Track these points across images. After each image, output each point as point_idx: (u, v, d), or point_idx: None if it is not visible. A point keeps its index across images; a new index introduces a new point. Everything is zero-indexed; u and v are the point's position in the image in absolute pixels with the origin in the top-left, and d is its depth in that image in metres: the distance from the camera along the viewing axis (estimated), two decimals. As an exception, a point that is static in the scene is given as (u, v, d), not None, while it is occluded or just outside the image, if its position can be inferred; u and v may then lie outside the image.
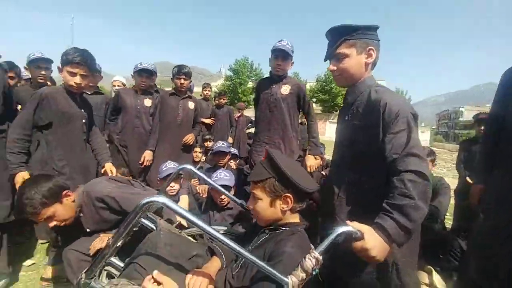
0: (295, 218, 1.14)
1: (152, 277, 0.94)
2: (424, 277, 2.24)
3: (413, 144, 1.06)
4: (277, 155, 1.12)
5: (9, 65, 2.85)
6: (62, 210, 1.47)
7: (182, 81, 3.03)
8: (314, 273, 0.84)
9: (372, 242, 0.93)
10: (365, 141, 1.17)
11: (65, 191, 1.49)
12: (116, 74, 4.43)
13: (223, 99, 5.26)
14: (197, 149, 3.66)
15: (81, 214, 1.59)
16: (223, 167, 2.91)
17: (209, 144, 4.26)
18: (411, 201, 0.97)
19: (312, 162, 2.44)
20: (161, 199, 0.88)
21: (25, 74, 3.33)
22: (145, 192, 1.71)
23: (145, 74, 3.03)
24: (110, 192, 1.52)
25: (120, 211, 1.55)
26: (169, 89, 3.37)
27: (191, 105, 3.19)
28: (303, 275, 0.82)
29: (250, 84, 31.98)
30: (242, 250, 0.88)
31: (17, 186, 1.71)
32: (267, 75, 2.63)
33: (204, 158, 4.03)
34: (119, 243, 1.01)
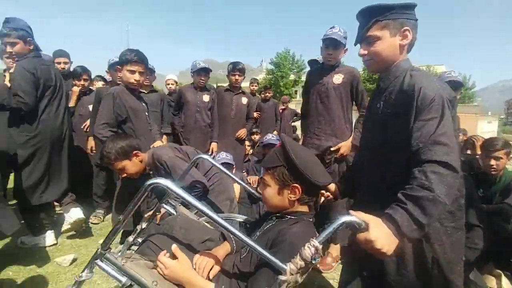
0: (303, 208, 1.12)
1: (172, 251, 1.06)
2: (491, 281, 2.05)
3: (442, 132, 0.95)
4: (291, 143, 1.10)
5: (82, 69, 3.26)
6: (131, 166, 1.83)
7: (237, 77, 3.20)
8: (314, 262, 0.83)
9: (377, 233, 0.85)
10: (397, 130, 1.08)
11: (135, 151, 1.83)
12: (166, 74, 4.77)
13: (269, 93, 5.32)
14: (246, 142, 3.78)
15: (150, 172, 1.91)
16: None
17: (256, 137, 4.37)
18: (430, 193, 0.87)
19: (345, 149, 2.32)
20: (164, 181, 0.91)
21: (107, 76, 3.78)
22: (192, 170, 1.82)
23: (203, 72, 3.24)
24: (167, 159, 1.78)
25: (170, 175, 1.80)
26: (215, 85, 3.58)
27: (244, 100, 3.34)
28: (302, 263, 0.82)
29: (292, 77, 31.52)
30: (243, 237, 0.90)
31: None
32: (308, 67, 2.59)
33: (251, 151, 4.16)
34: (128, 219, 1.06)
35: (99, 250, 1.03)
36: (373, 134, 1.23)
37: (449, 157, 0.91)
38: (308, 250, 0.82)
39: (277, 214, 1.14)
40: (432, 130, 0.95)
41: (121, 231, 2.32)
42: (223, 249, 1.22)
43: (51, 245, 2.45)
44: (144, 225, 1.41)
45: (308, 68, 2.98)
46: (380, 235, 0.85)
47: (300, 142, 2.62)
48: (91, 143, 3.07)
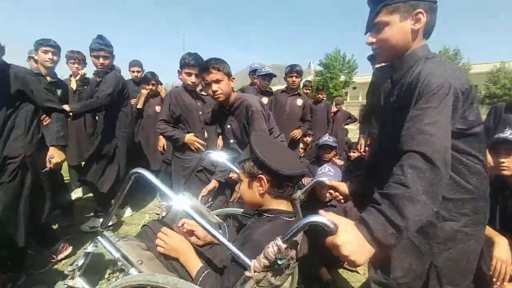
0: (279, 205, 1.08)
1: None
2: None
3: (432, 120, 0.83)
4: (258, 137, 1.09)
5: (151, 74, 3.64)
6: (226, 84, 1.88)
7: (294, 78, 3.26)
8: (279, 262, 0.80)
9: (345, 237, 0.73)
10: (403, 124, 0.96)
11: (232, 77, 1.95)
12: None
13: (321, 94, 5.21)
14: (300, 144, 3.78)
15: (226, 112, 2.03)
16: (328, 162, 2.89)
17: (308, 139, 4.31)
18: (406, 190, 0.75)
19: None
20: (143, 171, 1.04)
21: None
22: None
23: (268, 77, 3.38)
24: (255, 110, 1.87)
25: (246, 127, 1.91)
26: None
27: (299, 102, 3.37)
28: (265, 261, 0.81)
29: (342, 78, 30.41)
30: (214, 233, 0.95)
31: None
32: (362, 67, 2.48)
33: (303, 153, 4.14)
34: (119, 203, 1.23)
35: (99, 228, 1.17)
36: (384, 129, 1.16)
37: (431, 148, 0.79)
38: (271, 249, 0.81)
39: (256, 212, 1.14)
40: (424, 119, 0.84)
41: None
42: (210, 237, 1.28)
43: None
44: (164, 213, 1.54)
45: (360, 68, 2.86)
46: (349, 240, 0.73)
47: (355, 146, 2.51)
48: (162, 141, 3.37)
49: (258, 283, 0.85)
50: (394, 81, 1.10)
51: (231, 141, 2.04)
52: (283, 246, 0.80)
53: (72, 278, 1.24)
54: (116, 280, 1.12)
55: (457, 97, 0.88)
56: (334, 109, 5.66)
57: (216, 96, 1.87)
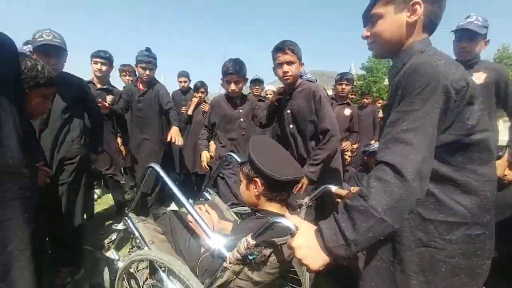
0: (272, 207, 1.13)
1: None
2: None
3: (411, 126, 0.73)
4: (259, 139, 1.15)
5: (201, 83, 3.84)
6: (296, 67, 1.90)
7: (344, 86, 3.21)
8: (250, 257, 0.86)
9: (300, 241, 0.73)
10: None
11: (302, 62, 1.94)
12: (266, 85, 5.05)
13: (366, 99, 5.00)
14: (347, 152, 3.65)
15: (287, 97, 2.03)
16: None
17: (353, 146, 4.14)
18: (363, 204, 0.69)
19: (502, 170, 1.88)
20: (157, 167, 1.24)
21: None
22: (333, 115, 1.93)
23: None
24: (323, 96, 1.87)
25: (312, 118, 1.90)
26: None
27: (347, 112, 3.29)
28: (238, 255, 0.88)
29: (387, 82, 28.88)
30: (202, 222, 1.06)
31: (203, 161, 2.42)
32: None
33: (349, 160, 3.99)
34: (140, 193, 1.47)
35: (126, 210, 1.41)
36: None
37: (404, 160, 0.70)
38: (242, 244, 0.87)
39: (252, 211, 1.21)
40: (402, 125, 0.75)
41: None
42: (222, 224, 1.36)
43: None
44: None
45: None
46: (303, 244, 0.73)
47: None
48: (213, 146, 3.52)
49: (237, 275, 0.92)
50: (391, 80, 1.02)
51: (290, 126, 2.03)
52: (252, 242, 0.86)
53: (108, 249, 1.48)
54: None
55: (449, 96, 0.75)
56: (381, 114, 5.37)
57: (285, 77, 1.90)
